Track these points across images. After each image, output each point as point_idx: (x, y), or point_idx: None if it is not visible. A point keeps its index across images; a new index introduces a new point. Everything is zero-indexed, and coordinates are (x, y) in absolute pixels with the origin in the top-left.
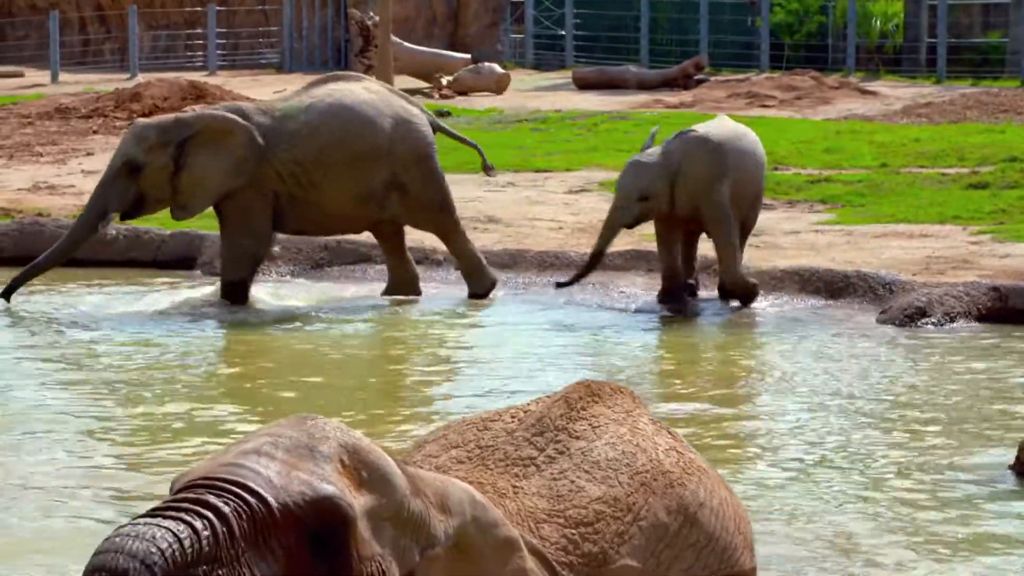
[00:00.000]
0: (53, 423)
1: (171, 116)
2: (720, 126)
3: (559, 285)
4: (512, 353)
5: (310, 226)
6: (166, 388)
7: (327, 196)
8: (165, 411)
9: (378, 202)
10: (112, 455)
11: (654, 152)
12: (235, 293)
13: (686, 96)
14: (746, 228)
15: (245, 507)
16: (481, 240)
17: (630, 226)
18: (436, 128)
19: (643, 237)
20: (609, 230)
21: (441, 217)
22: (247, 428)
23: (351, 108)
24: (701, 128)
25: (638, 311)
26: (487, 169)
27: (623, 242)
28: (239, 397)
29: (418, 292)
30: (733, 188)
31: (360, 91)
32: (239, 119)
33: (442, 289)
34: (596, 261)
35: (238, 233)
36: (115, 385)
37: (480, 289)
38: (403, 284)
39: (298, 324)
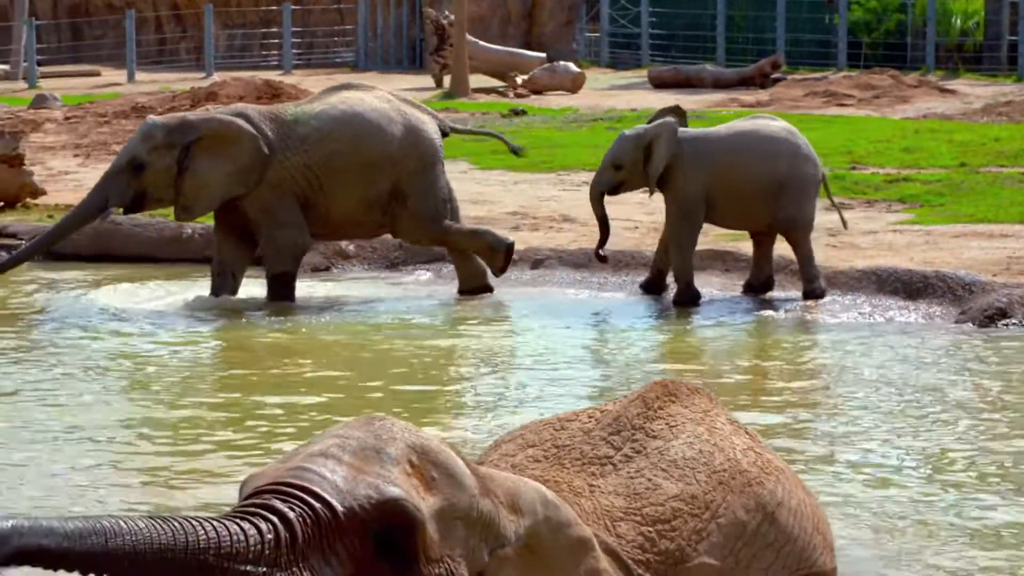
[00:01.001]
0: (94, 417)
1: (179, 116)
2: (736, 123)
3: (600, 258)
4: (582, 353)
5: (321, 228)
6: (217, 384)
7: (336, 201)
8: (213, 406)
9: (383, 209)
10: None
11: (640, 126)
12: (282, 288)
13: (762, 95)
14: (774, 232)
15: (310, 512)
16: (556, 240)
17: (609, 192)
18: (449, 131)
19: (719, 237)
20: (592, 198)
21: (433, 228)
22: (295, 428)
23: (362, 115)
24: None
25: (710, 311)
26: (515, 151)
27: (700, 241)
28: (288, 393)
29: (488, 287)
30: (710, 182)
31: (371, 100)
32: (246, 127)
33: (513, 289)
34: (601, 225)
35: (271, 228)
36: (192, 383)
37: (469, 286)
38: (471, 279)
39: (354, 322)
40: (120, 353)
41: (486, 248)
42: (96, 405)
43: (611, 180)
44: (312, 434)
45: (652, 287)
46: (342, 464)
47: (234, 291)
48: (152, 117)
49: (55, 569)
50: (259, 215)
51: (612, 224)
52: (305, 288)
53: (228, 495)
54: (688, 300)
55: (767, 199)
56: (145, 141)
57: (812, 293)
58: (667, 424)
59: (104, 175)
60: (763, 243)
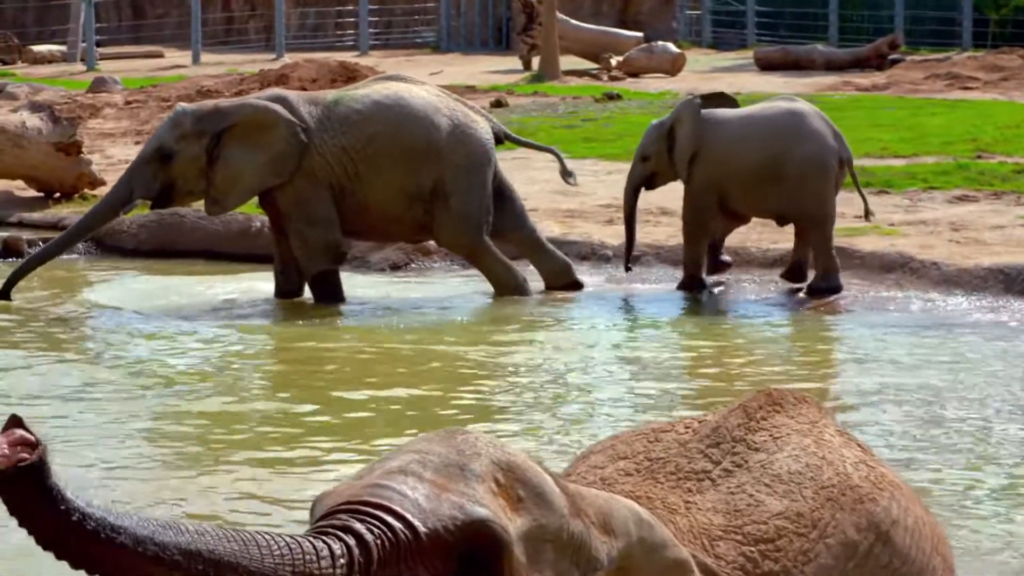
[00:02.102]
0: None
1: (212, 103)
2: (753, 106)
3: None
4: (680, 358)
5: (359, 225)
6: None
7: (373, 190)
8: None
9: (424, 206)
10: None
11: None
12: (323, 288)
13: (879, 78)
14: (787, 220)
15: (389, 533)
16: (653, 234)
17: (643, 187)
18: (503, 138)
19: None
20: (625, 193)
21: (472, 237)
22: (358, 443)
23: (408, 101)
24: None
25: (800, 310)
26: (565, 175)
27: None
28: (348, 403)
29: (577, 283)
30: (719, 168)
31: (420, 91)
32: (282, 112)
33: (607, 286)
34: (627, 227)
35: (300, 224)
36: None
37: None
38: (556, 276)
39: (426, 324)
40: (175, 364)
41: (507, 289)
42: (157, 406)
43: (641, 174)
44: (374, 450)
45: (792, 276)
46: (423, 481)
47: (300, 290)
48: (182, 104)
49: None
50: (291, 207)
51: None
52: (381, 286)
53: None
54: (692, 287)
55: (768, 185)
56: (173, 129)
57: (813, 288)
58: (771, 436)
59: (129, 168)
60: (797, 232)
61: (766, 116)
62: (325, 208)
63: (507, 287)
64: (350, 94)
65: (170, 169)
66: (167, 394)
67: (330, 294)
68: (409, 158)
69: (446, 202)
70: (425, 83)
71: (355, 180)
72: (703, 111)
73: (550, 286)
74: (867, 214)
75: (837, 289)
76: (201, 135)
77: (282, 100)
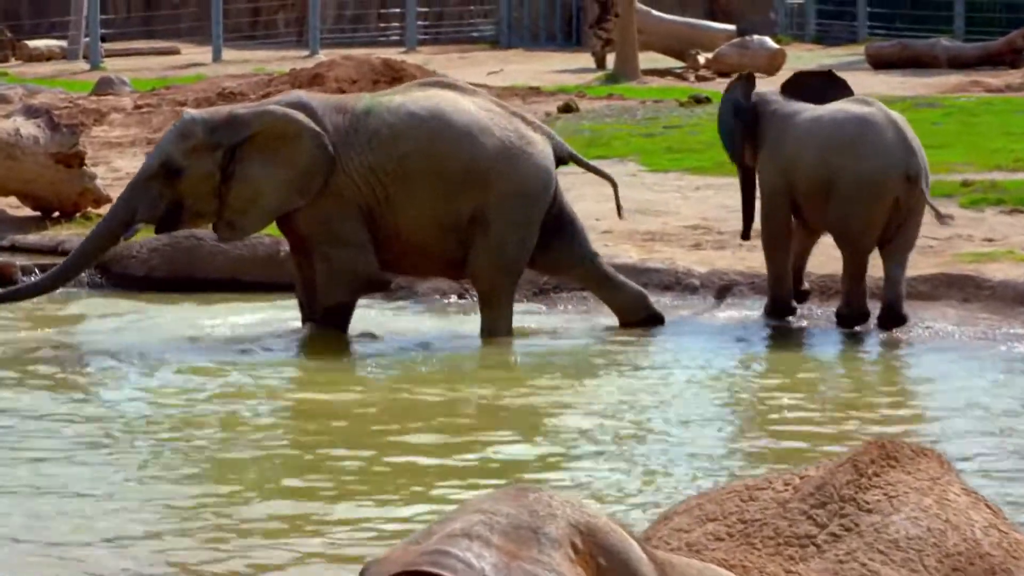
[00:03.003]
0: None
1: (226, 110)
2: (833, 107)
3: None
4: (773, 401)
5: (387, 254)
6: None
7: (404, 216)
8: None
9: (460, 237)
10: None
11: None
12: (332, 321)
13: (1014, 76)
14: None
15: None
16: (748, 260)
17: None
18: (567, 158)
19: (955, 258)
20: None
21: (503, 278)
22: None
23: (448, 116)
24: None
25: (938, 349)
26: (619, 210)
27: (928, 264)
28: (387, 447)
29: (655, 316)
30: (786, 174)
31: (467, 103)
32: (306, 121)
33: (691, 321)
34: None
35: (326, 246)
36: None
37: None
38: (630, 311)
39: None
40: (192, 411)
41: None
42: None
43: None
44: (429, 512)
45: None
46: (490, 547)
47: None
48: (190, 111)
49: None
50: (315, 227)
51: (820, 240)
52: (420, 320)
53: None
54: (778, 313)
55: (822, 197)
56: (181, 140)
57: (840, 318)
58: (885, 495)
59: (128, 185)
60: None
61: (833, 120)
62: (355, 230)
63: (498, 336)
64: (384, 103)
65: (178, 186)
66: (168, 446)
67: (338, 327)
68: (445, 183)
69: (485, 231)
70: (477, 91)
71: (384, 204)
72: (784, 98)
73: (625, 322)
74: (939, 217)
75: (865, 316)
76: (214, 148)
77: (304, 107)
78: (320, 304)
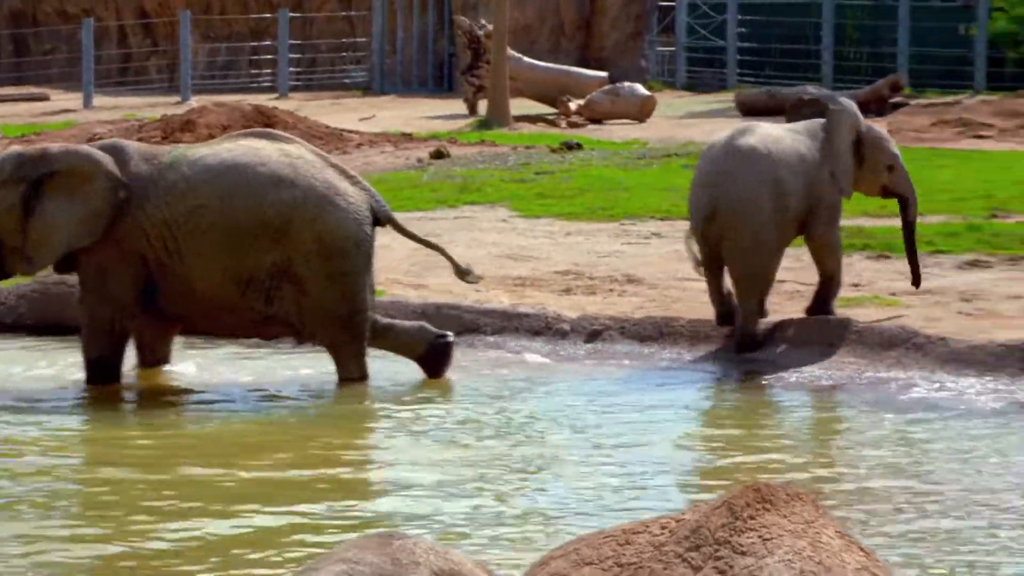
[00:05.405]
0: None
1: (41, 147)
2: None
3: None
4: (651, 448)
5: (188, 308)
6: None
7: (196, 270)
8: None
9: (262, 292)
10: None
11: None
12: (98, 374)
13: (880, 124)
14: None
15: None
16: (618, 305)
17: None
18: (383, 220)
19: None
20: None
21: (342, 334)
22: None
23: (245, 168)
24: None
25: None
26: (463, 274)
27: (797, 308)
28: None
29: (440, 339)
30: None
31: (273, 152)
32: (106, 163)
33: (562, 366)
34: None
35: (93, 299)
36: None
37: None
38: (414, 343)
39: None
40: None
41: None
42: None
43: None
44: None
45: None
46: None
47: (160, 360)
48: (15, 147)
49: None
50: (89, 275)
51: (687, 286)
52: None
53: None
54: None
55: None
56: None
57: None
58: (760, 537)
59: None
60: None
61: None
62: (124, 290)
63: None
64: (188, 155)
65: None
66: None
67: (104, 378)
68: (237, 237)
69: (301, 287)
70: (294, 140)
71: (176, 258)
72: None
73: (419, 358)
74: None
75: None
76: (19, 182)
77: (117, 151)
78: (84, 354)
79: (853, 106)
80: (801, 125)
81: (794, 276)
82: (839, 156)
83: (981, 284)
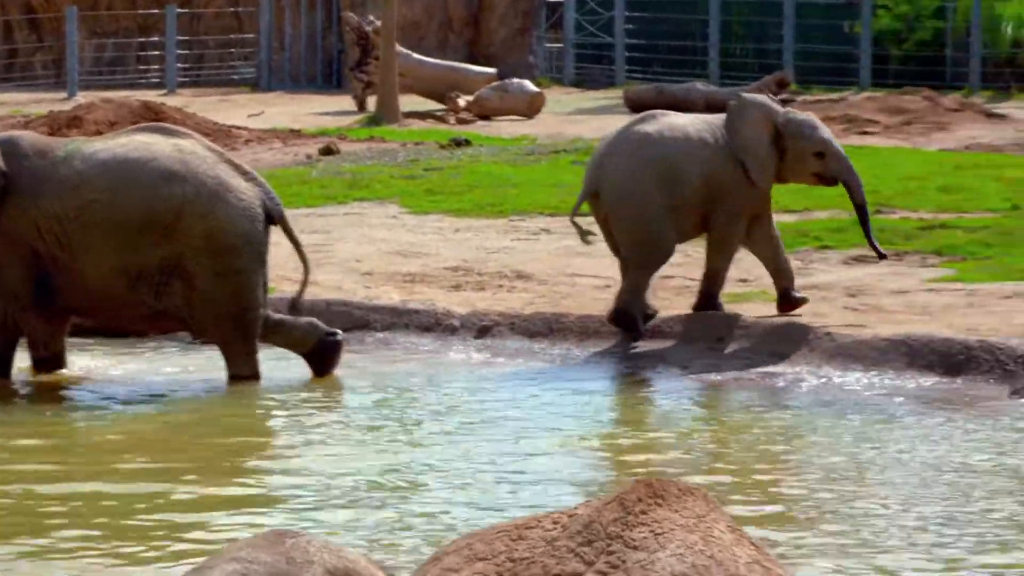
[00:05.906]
0: None
1: None
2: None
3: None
4: (544, 442)
5: (81, 303)
6: None
7: (87, 265)
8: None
9: (152, 287)
10: None
11: None
12: None
13: None
14: None
15: None
16: (508, 301)
17: None
18: (275, 219)
19: None
20: None
21: (232, 331)
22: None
23: (135, 162)
24: None
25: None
26: (295, 304)
27: (685, 304)
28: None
29: (330, 337)
30: None
31: (165, 147)
32: None
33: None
34: None
35: None
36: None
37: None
38: (305, 337)
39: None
40: None
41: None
42: None
43: None
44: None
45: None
46: None
47: (55, 365)
48: None
49: None
50: None
51: (577, 282)
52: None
53: None
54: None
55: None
56: None
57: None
58: (652, 532)
59: None
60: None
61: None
62: (17, 281)
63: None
64: (83, 149)
65: None
66: None
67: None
68: (125, 232)
69: (190, 283)
70: (189, 135)
71: (67, 252)
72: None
73: (307, 354)
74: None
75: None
76: None
77: (10, 144)
78: None
79: (764, 99)
80: (714, 116)
81: (683, 272)
82: (747, 148)
83: (866, 279)
